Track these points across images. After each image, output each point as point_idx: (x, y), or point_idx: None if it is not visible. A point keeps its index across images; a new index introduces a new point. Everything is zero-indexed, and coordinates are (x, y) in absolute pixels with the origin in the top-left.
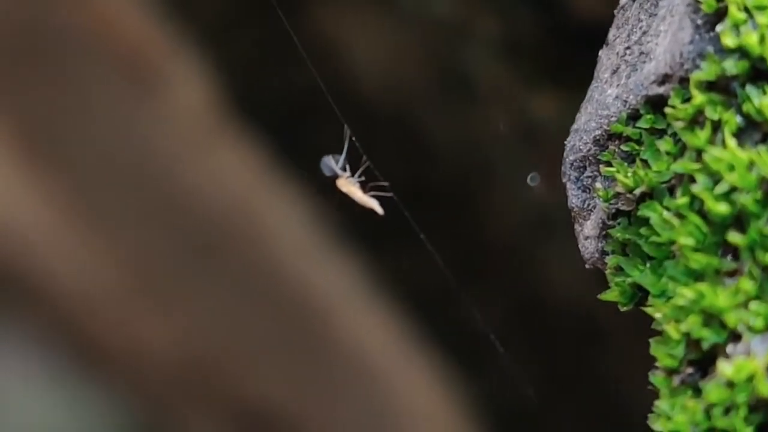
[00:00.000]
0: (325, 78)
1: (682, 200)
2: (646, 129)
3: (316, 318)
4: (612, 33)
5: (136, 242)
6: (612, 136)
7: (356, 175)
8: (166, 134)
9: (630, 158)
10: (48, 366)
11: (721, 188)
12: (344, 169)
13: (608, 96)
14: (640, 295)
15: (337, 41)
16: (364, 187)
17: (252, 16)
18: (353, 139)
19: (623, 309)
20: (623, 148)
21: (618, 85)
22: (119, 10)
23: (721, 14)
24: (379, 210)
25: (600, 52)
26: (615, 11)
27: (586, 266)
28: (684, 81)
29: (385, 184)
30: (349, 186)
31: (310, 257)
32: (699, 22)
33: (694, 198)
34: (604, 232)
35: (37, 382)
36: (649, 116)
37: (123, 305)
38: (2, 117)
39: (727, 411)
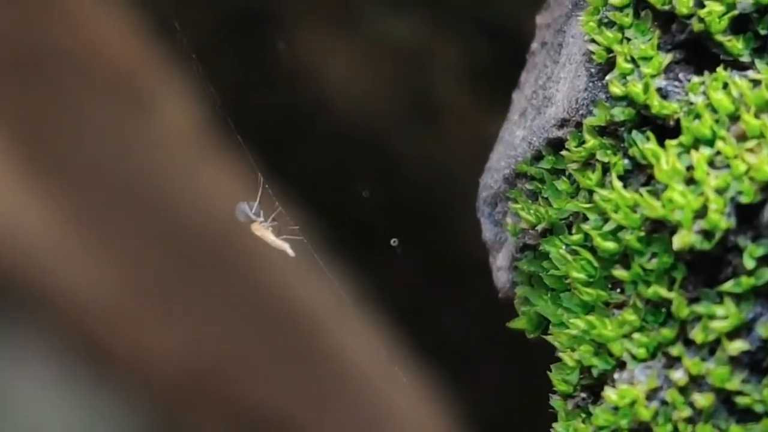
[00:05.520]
0: (303, 99)
1: (576, 237)
2: (547, 169)
3: (304, 328)
4: (523, 76)
5: (138, 256)
6: (519, 175)
7: (268, 220)
8: (157, 151)
9: (534, 196)
10: (62, 371)
11: (608, 227)
12: (258, 215)
13: (516, 137)
14: (545, 323)
15: (313, 65)
16: (277, 230)
17: (237, 39)
18: (266, 186)
19: (530, 336)
20: (528, 186)
21: (525, 127)
22: (110, 34)
23: (612, 63)
24: (291, 252)
25: (513, 94)
26: (527, 55)
27: (500, 296)
28: (579, 125)
29: (296, 227)
30: (262, 230)
31: (300, 271)
32: (593, 70)
33: (586, 235)
34: (514, 264)
35: (51, 387)
36: (550, 157)
37: (130, 315)
38: (8, 135)
39: None
